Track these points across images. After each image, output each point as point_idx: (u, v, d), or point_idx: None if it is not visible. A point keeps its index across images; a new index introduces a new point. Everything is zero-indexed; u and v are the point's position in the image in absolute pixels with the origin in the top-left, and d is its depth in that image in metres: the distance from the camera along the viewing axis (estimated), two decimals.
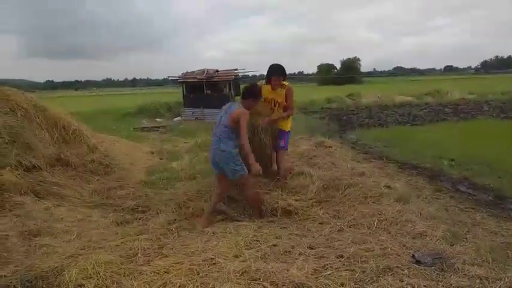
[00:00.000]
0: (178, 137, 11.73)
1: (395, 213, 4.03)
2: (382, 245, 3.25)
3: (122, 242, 3.61)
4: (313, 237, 3.55)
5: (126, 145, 8.74)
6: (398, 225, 3.74)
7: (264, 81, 4.78)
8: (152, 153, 8.42)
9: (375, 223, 3.76)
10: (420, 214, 4.07)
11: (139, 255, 3.32)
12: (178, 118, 17.47)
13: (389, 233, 3.56)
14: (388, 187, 5.10)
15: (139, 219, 4.31)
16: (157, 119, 17.24)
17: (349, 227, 3.74)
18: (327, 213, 4.05)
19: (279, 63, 4.67)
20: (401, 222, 3.78)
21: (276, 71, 4.60)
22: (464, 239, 3.42)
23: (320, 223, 3.88)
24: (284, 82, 4.69)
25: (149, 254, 3.37)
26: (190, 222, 4.09)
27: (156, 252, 3.41)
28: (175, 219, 4.18)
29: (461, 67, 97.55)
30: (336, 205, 4.25)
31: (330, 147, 8.00)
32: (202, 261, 3.08)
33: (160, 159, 7.89)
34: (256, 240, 3.50)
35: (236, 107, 4.06)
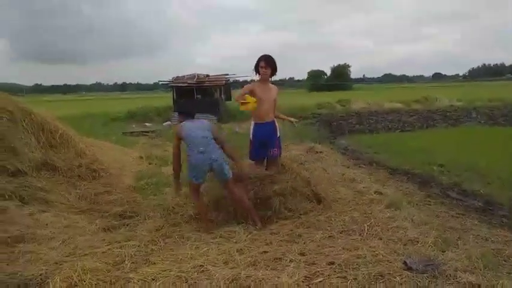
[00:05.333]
0: (168, 142, 11.60)
1: (387, 219, 4.02)
2: (374, 251, 3.22)
3: (108, 249, 3.52)
4: (304, 243, 3.50)
5: (115, 150, 8.62)
6: (390, 231, 3.72)
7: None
8: (141, 158, 8.30)
9: (366, 229, 3.73)
10: (411, 220, 4.05)
11: (126, 262, 3.24)
12: (168, 123, 17.34)
13: (381, 239, 3.53)
14: (379, 193, 5.10)
15: (127, 225, 4.22)
16: (146, 124, 17.09)
17: (340, 233, 3.69)
18: (318, 219, 4.00)
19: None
20: (393, 229, 3.75)
21: (270, 61, 4.33)
22: (455, 246, 3.40)
23: (311, 229, 3.82)
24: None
25: (136, 261, 3.29)
26: (178, 229, 4.00)
27: (144, 259, 3.33)
28: (164, 226, 4.10)
29: (450, 74, 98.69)
30: (326, 211, 4.21)
31: (320, 152, 8.01)
32: (192, 268, 3.01)
33: (149, 164, 7.78)
34: (247, 247, 3.44)
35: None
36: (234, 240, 3.59)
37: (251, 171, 4.33)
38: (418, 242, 3.45)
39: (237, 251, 3.33)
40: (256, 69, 4.39)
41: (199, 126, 4.13)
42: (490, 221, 4.32)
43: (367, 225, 3.77)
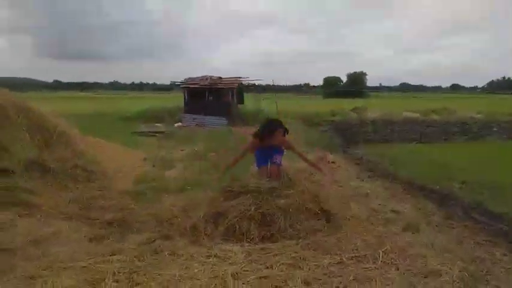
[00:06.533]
0: (175, 144, 11.31)
1: (404, 244, 3.56)
2: (389, 285, 2.78)
3: (90, 263, 3.15)
4: (309, 269, 3.07)
5: (119, 150, 8.33)
6: (408, 259, 3.26)
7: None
8: (145, 159, 7.97)
9: (381, 256, 3.28)
10: (432, 246, 3.60)
11: (106, 281, 2.87)
12: (179, 124, 17.08)
13: (398, 269, 3.08)
14: (395, 212, 4.65)
15: (116, 235, 3.84)
16: (157, 124, 16.82)
17: (351, 259, 3.25)
18: (326, 240, 3.56)
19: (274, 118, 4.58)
20: (411, 257, 3.29)
21: (281, 125, 4.17)
22: (485, 282, 2.94)
23: (318, 252, 3.39)
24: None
25: (118, 279, 2.91)
26: (170, 243, 3.61)
27: (128, 277, 2.95)
28: (155, 238, 3.71)
29: (468, 86, 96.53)
30: (336, 231, 3.76)
31: (332, 162, 7.56)
32: None
33: (153, 166, 7.44)
34: (244, 270, 3.03)
35: None
36: (230, 261, 3.18)
37: (255, 182, 3.95)
38: (441, 274, 3.00)
39: (231, 275, 2.91)
40: (266, 134, 4.14)
41: None
42: None
43: (382, 252, 3.32)
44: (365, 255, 3.30)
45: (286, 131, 4.21)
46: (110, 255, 3.34)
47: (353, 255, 3.31)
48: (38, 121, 5.63)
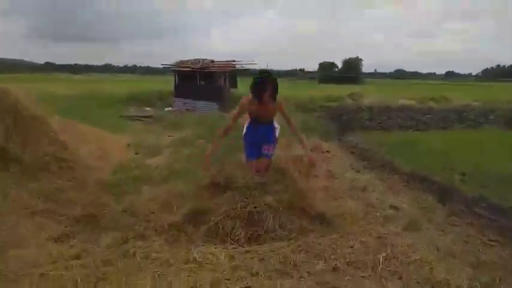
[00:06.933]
0: (164, 129, 10.86)
1: (406, 247, 3.18)
2: None
3: (49, 270, 2.74)
4: (300, 277, 2.70)
5: (101, 136, 7.86)
6: (411, 266, 2.88)
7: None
8: (128, 145, 7.53)
9: (381, 261, 2.90)
10: (437, 249, 3.24)
11: None
12: (170, 108, 16.57)
13: (400, 278, 2.70)
14: (395, 207, 4.28)
15: (84, 234, 3.43)
16: (146, 108, 16.29)
17: (348, 265, 2.87)
18: (320, 242, 3.17)
19: (267, 69, 3.76)
20: (415, 263, 2.91)
21: (274, 82, 3.57)
22: None
23: (310, 256, 3.01)
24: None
25: None
26: (145, 244, 3.20)
27: (91, 287, 2.56)
28: (128, 238, 3.31)
29: (463, 73, 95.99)
30: (331, 232, 3.38)
31: (327, 152, 7.17)
32: None
33: (136, 153, 7.00)
34: (225, 279, 2.64)
35: None
36: (210, 267, 2.79)
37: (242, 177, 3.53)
38: (449, 285, 2.63)
39: (210, 286, 2.53)
40: (258, 92, 3.53)
41: None
42: None
43: (383, 257, 2.93)
44: (363, 260, 2.91)
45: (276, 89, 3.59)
46: (75, 259, 2.94)
47: (349, 260, 2.93)
48: (9, 104, 5.14)
